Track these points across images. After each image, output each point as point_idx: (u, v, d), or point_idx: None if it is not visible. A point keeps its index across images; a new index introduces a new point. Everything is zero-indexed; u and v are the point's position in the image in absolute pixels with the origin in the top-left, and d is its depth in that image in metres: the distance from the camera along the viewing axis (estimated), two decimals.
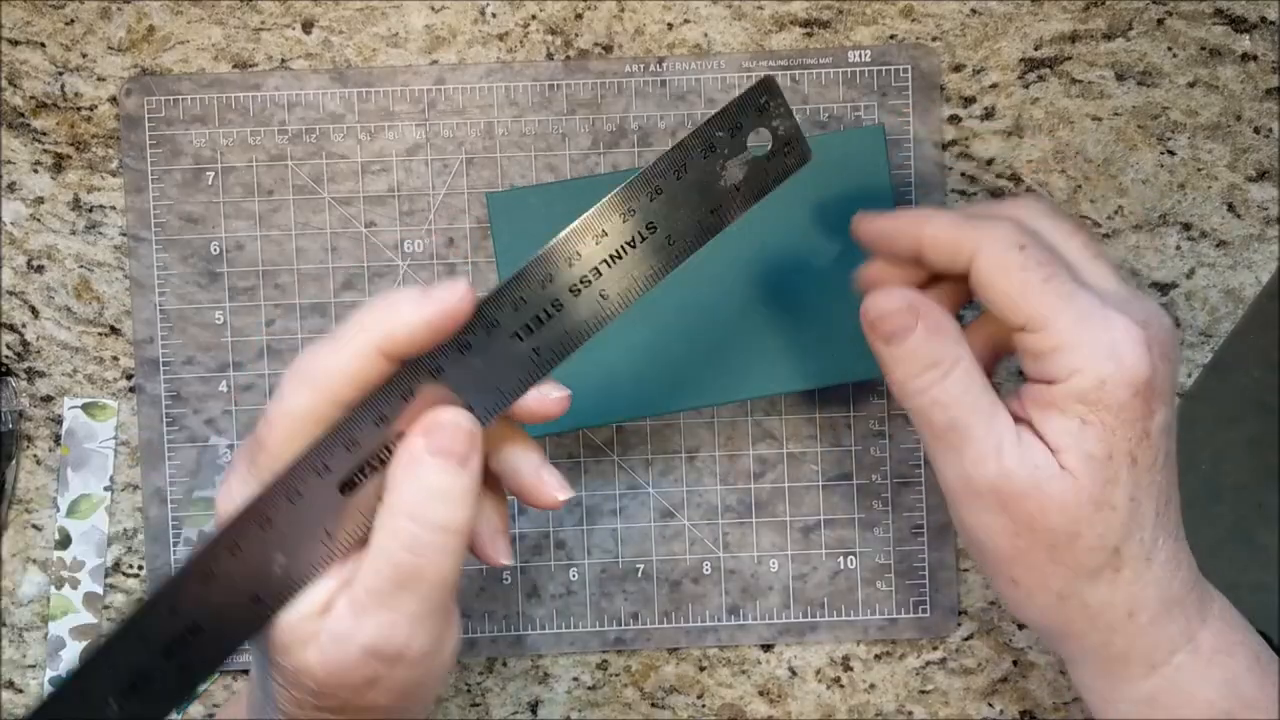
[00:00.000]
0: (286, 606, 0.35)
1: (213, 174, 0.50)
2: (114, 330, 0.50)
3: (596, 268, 0.36)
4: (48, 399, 0.50)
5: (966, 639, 0.51)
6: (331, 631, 0.34)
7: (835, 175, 0.46)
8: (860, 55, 0.50)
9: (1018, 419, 0.38)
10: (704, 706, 0.51)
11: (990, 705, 0.51)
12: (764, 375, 0.46)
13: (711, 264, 0.46)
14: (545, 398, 0.36)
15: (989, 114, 0.50)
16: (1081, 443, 0.37)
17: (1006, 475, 0.37)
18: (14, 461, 0.50)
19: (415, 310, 0.34)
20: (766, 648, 0.51)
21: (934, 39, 0.50)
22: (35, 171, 0.50)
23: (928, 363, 0.38)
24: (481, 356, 0.35)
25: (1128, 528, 0.37)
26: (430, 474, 0.34)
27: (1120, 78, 0.50)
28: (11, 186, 0.50)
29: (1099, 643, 0.39)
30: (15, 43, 0.50)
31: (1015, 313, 0.37)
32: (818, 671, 0.51)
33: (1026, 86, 0.50)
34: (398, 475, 0.34)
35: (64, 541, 0.50)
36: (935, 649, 0.51)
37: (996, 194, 0.50)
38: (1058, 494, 0.37)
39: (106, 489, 0.50)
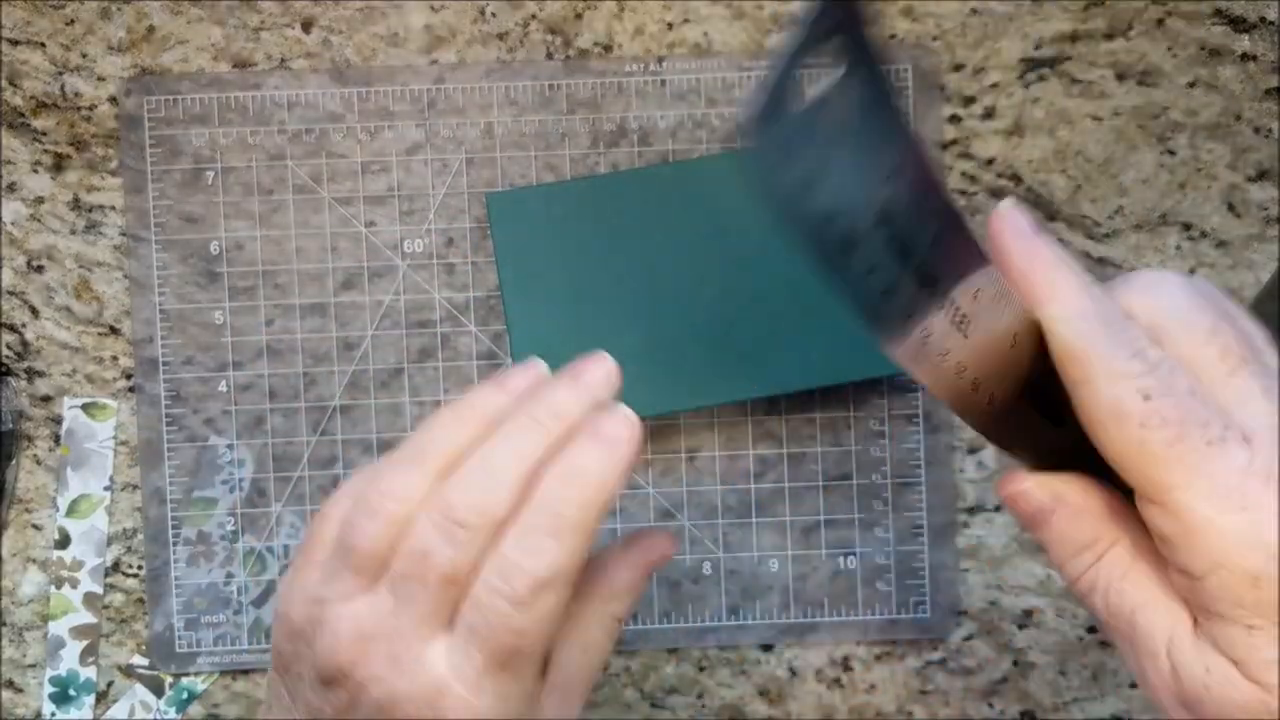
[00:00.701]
0: None
1: (212, 174, 0.50)
2: (114, 330, 0.50)
3: None
4: (47, 399, 0.50)
5: (966, 639, 0.51)
6: None
7: None
8: None
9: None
10: (704, 707, 0.51)
11: (990, 705, 0.51)
12: (773, 373, 0.46)
13: (716, 263, 0.46)
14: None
15: (989, 114, 0.50)
16: (1255, 651, 0.29)
17: (1176, 680, 0.31)
18: (14, 461, 0.50)
19: (615, 478, 0.34)
20: (766, 648, 0.51)
21: (934, 39, 0.50)
22: (35, 171, 0.50)
23: (1076, 547, 0.33)
24: None
25: None
26: (640, 582, 0.38)
27: (1120, 78, 0.50)
28: (11, 186, 0.50)
29: None
30: (15, 43, 0.50)
31: (1128, 474, 0.31)
32: (818, 672, 0.51)
33: (1027, 86, 0.50)
34: (614, 574, 0.38)
35: (64, 541, 0.50)
36: (935, 649, 0.51)
37: (997, 194, 0.50)
38: (1239, 703, 0.30)
39: (106, 489, 0.50)
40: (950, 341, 0.31)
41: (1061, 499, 0.33)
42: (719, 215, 0.46)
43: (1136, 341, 0.30)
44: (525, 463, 0.34)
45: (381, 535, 0.33)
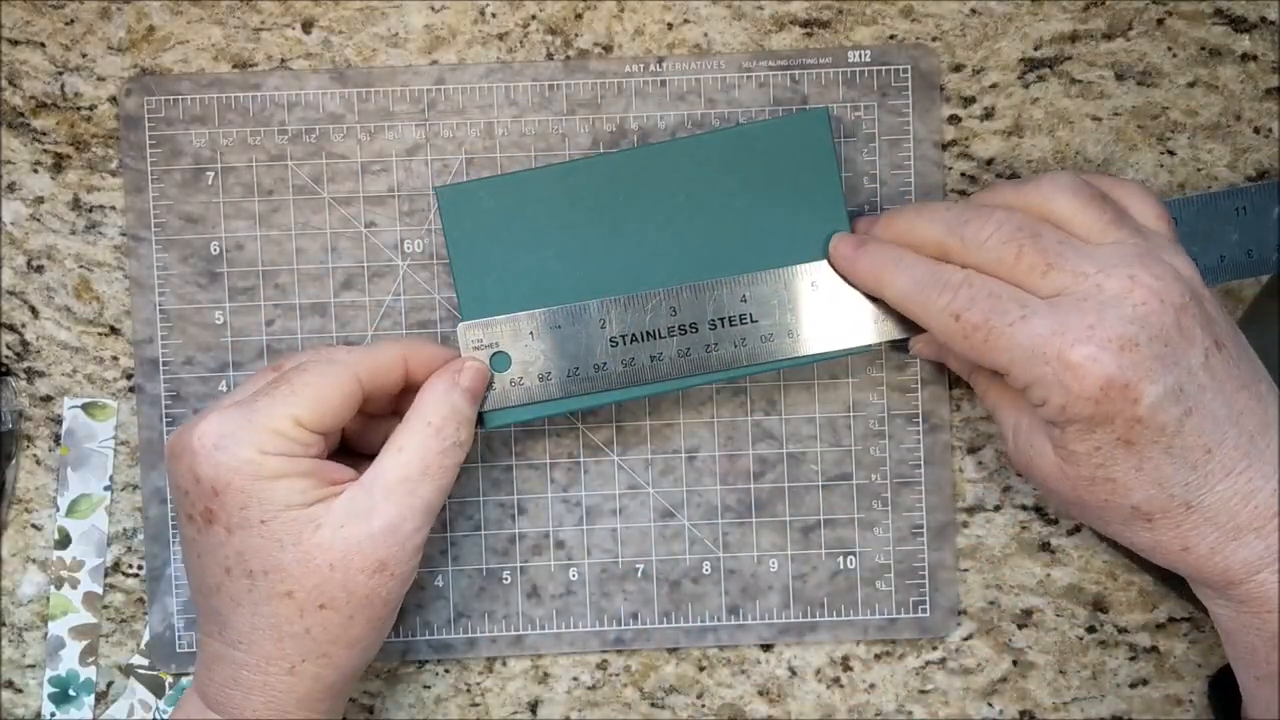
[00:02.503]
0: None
1: (213, 174, 0.50)
2: (114, 330, 0.50)
3: None
4: (47, 399, 0.50)
5: (966, 639, 0.51)
6: (350, 510, 0.42)
7: (781, 161, 0.46)
8: (860, 55, 0.50)
9: None
10: (704, 706, 0.51)
11: (990, 705, 0.51)
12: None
13: (660, 255, 0.46)
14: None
15: (989, 114, 0.50)
16: (1065, 442, 0.42)
17: (1015, 454, 0.45)
18: (14, 461, 0.50)
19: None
20: (766, 648, 0.51)
21: (934, 39, 0.50)
22: (35, 171, 0.50)
23: (967, 371, 0.48)
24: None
25: (1143, 490, 0.41)
26: (459, 401, 0.44)
27: (1120, 78, 0.50)
28: (11, 186, 0.50)
29: (1169, 563, 0.43)
30: (15, 43, 0.50)
31: (983, 365, 0.43)
32: (817, 671, 0.51)
33: (1026, 86, 0.50)
34: (431, 397, 0.44)
35: (63, 541, 0.50)
36: (935, 649, 0.51)
37: None
38: (1050, 474, 0.43)
39: (106, 489, 0.50)
40: None
41: (942, 345, 0.45)
42: (670, 201, 0.46)
43: (941, 278, 0.43)
44: None
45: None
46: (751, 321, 0.46)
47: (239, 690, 0.42)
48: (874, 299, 0.46)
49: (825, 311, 0.46)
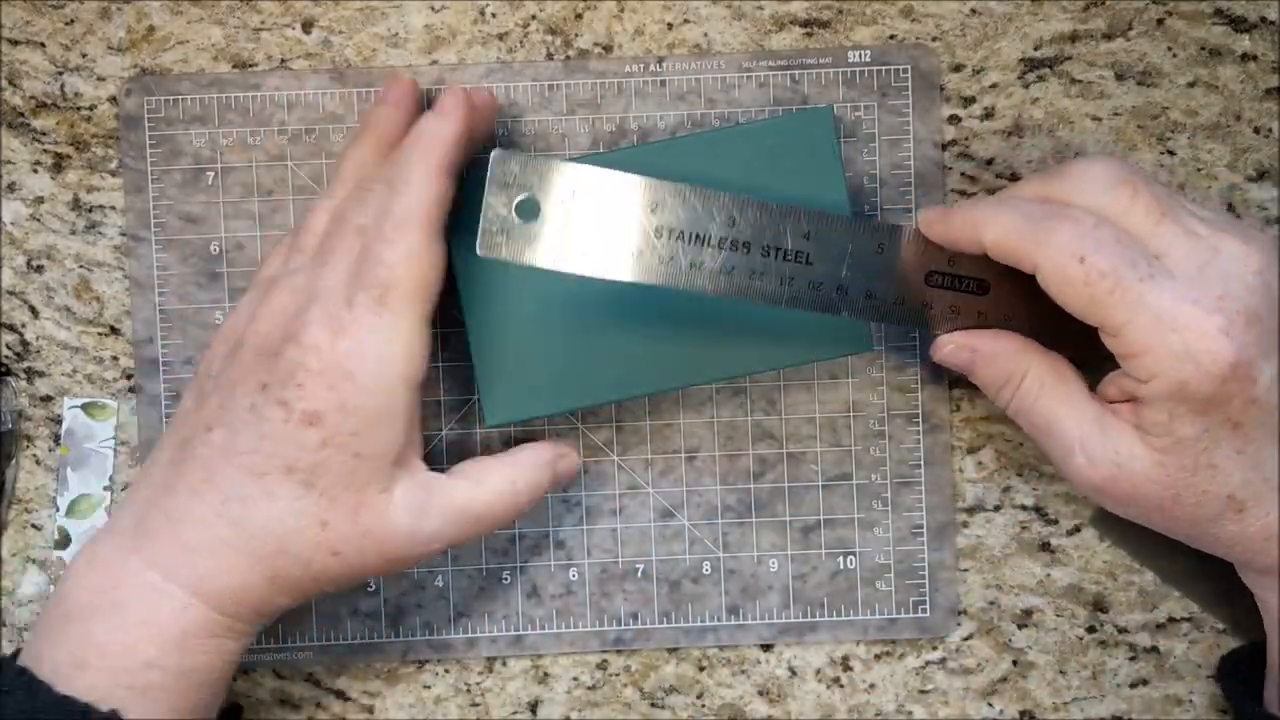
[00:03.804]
0: None
1: (213, 174, 0.50)
2: (114, 330, 0.50)
3: None
4: (47, 399, 0.50)
5: (966, 639, 0.51)
6: (407, 500, 0.42)
7: (784, 160, 0.46)
8: (860, 55, 0.50)
9: (1115, 400, 0.41)
10: (704, 706, 0.51)
11: (990, 705, 0.51)
12: (727, 359, 0.46)
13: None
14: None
15: (989, 114, 0.50)
16: (1171, 430, 0.39)
17: (1091, 468, 0.41)
18: (14, 461, 0.50)
19: (455, 127, 0.43)
20: (766, 648, 0.51)
21: (934, 39, 0.50)
22: (35, 171, 0.50)
23: (998, 382, 0.43)
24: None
25: (1242, 474, 0.39)
26: (546, 484, 0.46)
27: (1120, 78, 0.50)
28: (11, 186, 0.50)
29: (1244, 560, 0.42)
30: (15, 43, 0.50)
31: (1090, 321, 0.39)
32: (817, 671, 0.51)
33: (1026, 86, 0.50)
34: (530, 462, 0.46)
35: (63, 541, 0.50)
36: (935, 649, 0.51)
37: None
38: (1144, 473, 0.40)
39: (106, 489, 0.50)
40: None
41: (976, 349, 0.43)
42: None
43: (1066, 213, 0.39)
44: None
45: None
46: (806, 263, 0.43)
47: (213, 560, 0.41)
48: (934, 280, 0.43)
49: (885, 281, 0.43)
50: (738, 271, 0.43)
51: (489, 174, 0.42)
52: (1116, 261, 0.38)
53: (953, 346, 0.44)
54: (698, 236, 0.42)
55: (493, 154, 0.42)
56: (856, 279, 0.43)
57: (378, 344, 0.41)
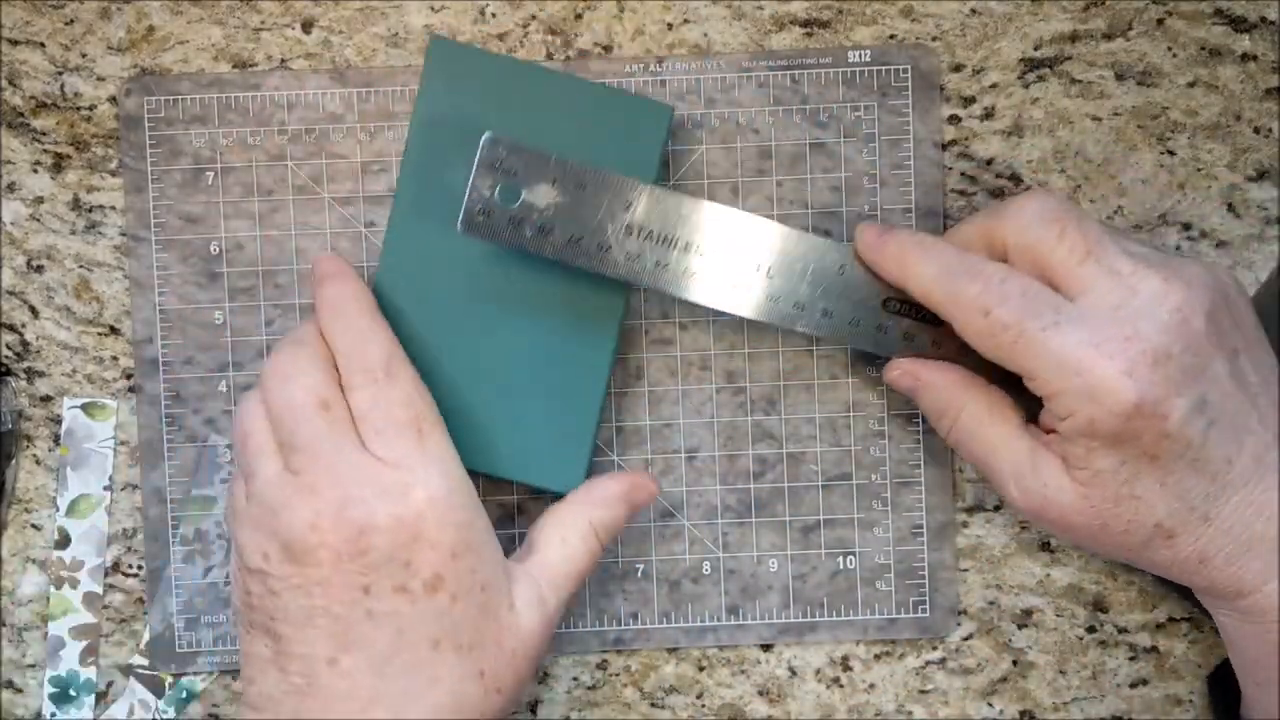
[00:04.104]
0: None
1: (212, 174, 0.50)
2: (113, 330, 0.50)
3: None
4: (47, 399, 0.50)
5: (966, 639, 0.51)
6: (527, 597, 0.42)
7: (613, 137, 0.46)
8: (860, 55, 0.50)
9: (1051, 430, 0.42)
10: (704, 706, 0.51)
11: (990, 705, 0.51)
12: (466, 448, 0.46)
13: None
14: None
15: (989, 114, 0.50)
16: (1089, 461, 0.41)
17: (1024, 498, 0.43)
18: (14, 461, 0.50)
19: (353, 283, 0.45)
20: (766, 648, 0.51)
21: (934, 39, 0.50)
22: (35, 171, 0.50)
23: (937, 414, 0.45)
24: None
25: (1166, 505, 0.41)
26: (623, 513, 0.45)
27: (1120, 78, 0.50)
28: (11, 186, 0.50)
29: (1184, 582, 0.43)
30: (15, 43, 0.50)
31: (1007, 367, 0.42)
32: (817, 671, 0.51)
33: (1026, 86, 0.50)
34: (603, 499, 0.45)
35: (63, 541, 0.50)
36: (935, 649, 0.51)
37: (996, 194, 0.50)
38: (1070, 504, 0.42)
39: (106, 489, 0.50)
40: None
41: (919, 378, 0.45)
42: (547, 135, 0.46)
43: (974, 267, 0.41)
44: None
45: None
46: (768, 276, 0.45)
47: None
48: (891, 313, 0.45)
49: (843, 300, 0.45)
50: (700, 276, 0.44)
51: (478, 155, 0.43)
52: (1020, 314, 0.40)
53: (899, 372, 0.45)
54: (666, 238, 0.44)
55: (484, 136, 0.43)
56: (815, 297, 0.45)
57: (440, 475, 0.41)
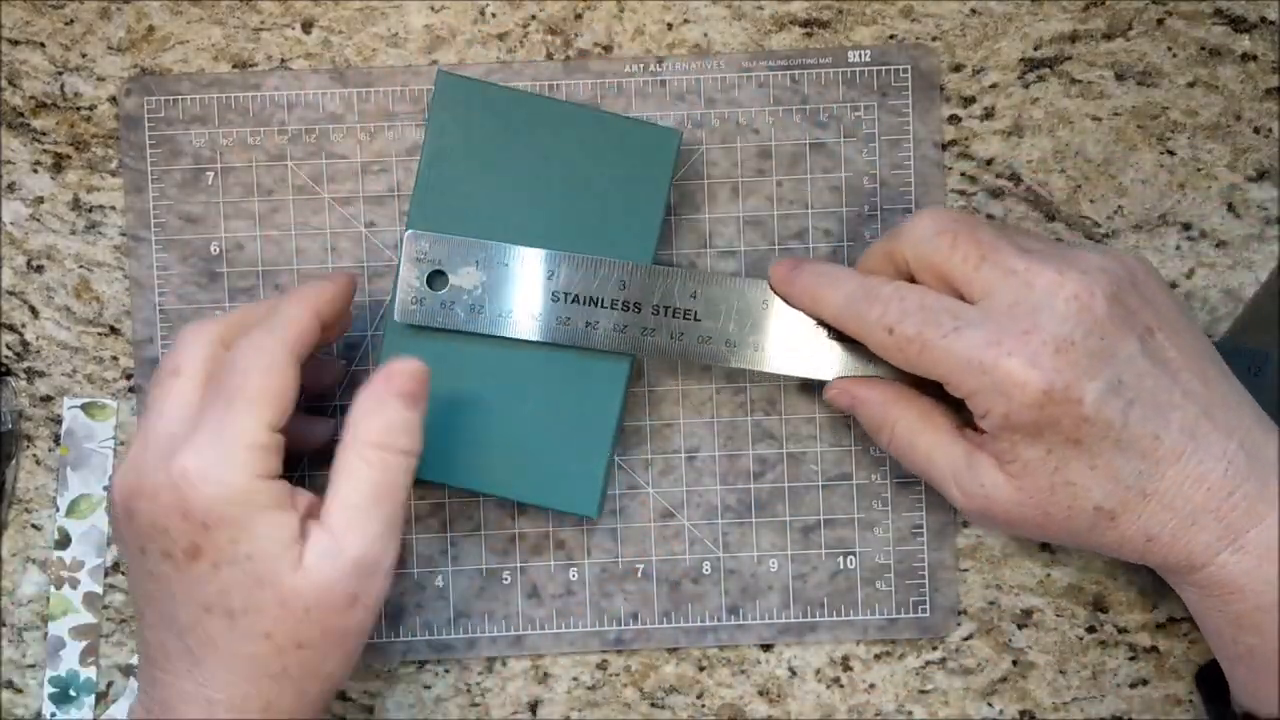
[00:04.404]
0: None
1: (212, 174, 0.50)
2: (113, 330, 0.50)
3: None
4: (47, 399, 0.50)
5: (966, 639, 0.51)
6: (318, 550, 0.40)
7: (621, 161, 0.47)
8: (860, 55, 0.50)
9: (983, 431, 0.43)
10: (704, 706, 0.51)
11: (990, 705, 0.51)
12: (481, 472, 0.47)
13: (540, 215, 0.47)
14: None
15: (989, 114, 0.50)
16: (1016, 454, 0.42)
17: (966, 499, 0.44)
18: (14, 461, 0.50)
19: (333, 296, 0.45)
20: (766, 648, 0.51)
21: (934, 39, 0.50)
22: (35, 171, 0.50)
23: (874, 429, 0.46)
24: None
25: (1101, 488, 0.42)
26: (394, 411, 0.42)
27: (1120, 78, 0.50)
28: (11, 186, 0.50)
29: (1136, 557, 0.43)
30: (15, 43, 0.50)
31: (926, 377, 0.43)
32: (817, 671, 0.51)
33: (1026, 86, 0.50)
34: (363, 414, 0.42)
35: (63, 541, 0.50)
36: (935, 649, 0.51)
37: (996, 194, 0.50)
38: (1009, 499, 0.43)
39: (106, 489, 0.50)
40: None
41: (855, 396, 0.46)
42: (556, 164, 0.47)
43: (872, 292, 0.43)
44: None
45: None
46: (695, 320, 0.46)
47: None
48: (824, 335, 0.46)
49: (773, 332, 0.46)
50: (630, 329, 0.46)
51: (402, 250, 0.46)
52: (919, 326, 0.42)
53: (835, 391, 0.47)
54: (592, 299, 0.46)
55: (406, 233, 0.46)
56: (744, 333, 0.46)
57: (213, 446, 0.40)
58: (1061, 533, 0.43)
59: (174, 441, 0.41)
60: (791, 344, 0.46)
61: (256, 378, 0.41)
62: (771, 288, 0.46)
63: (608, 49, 0.50)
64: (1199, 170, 0.50)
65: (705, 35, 0.50)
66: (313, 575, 0.40)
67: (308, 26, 0.50)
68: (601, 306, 0.46)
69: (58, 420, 0.50)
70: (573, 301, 0.46)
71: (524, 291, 0.46)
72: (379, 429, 0.42)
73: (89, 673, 0.50)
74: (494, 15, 0.50)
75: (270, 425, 0.41)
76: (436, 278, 0.46)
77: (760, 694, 0.51)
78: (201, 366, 0.42)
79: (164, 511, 0.40)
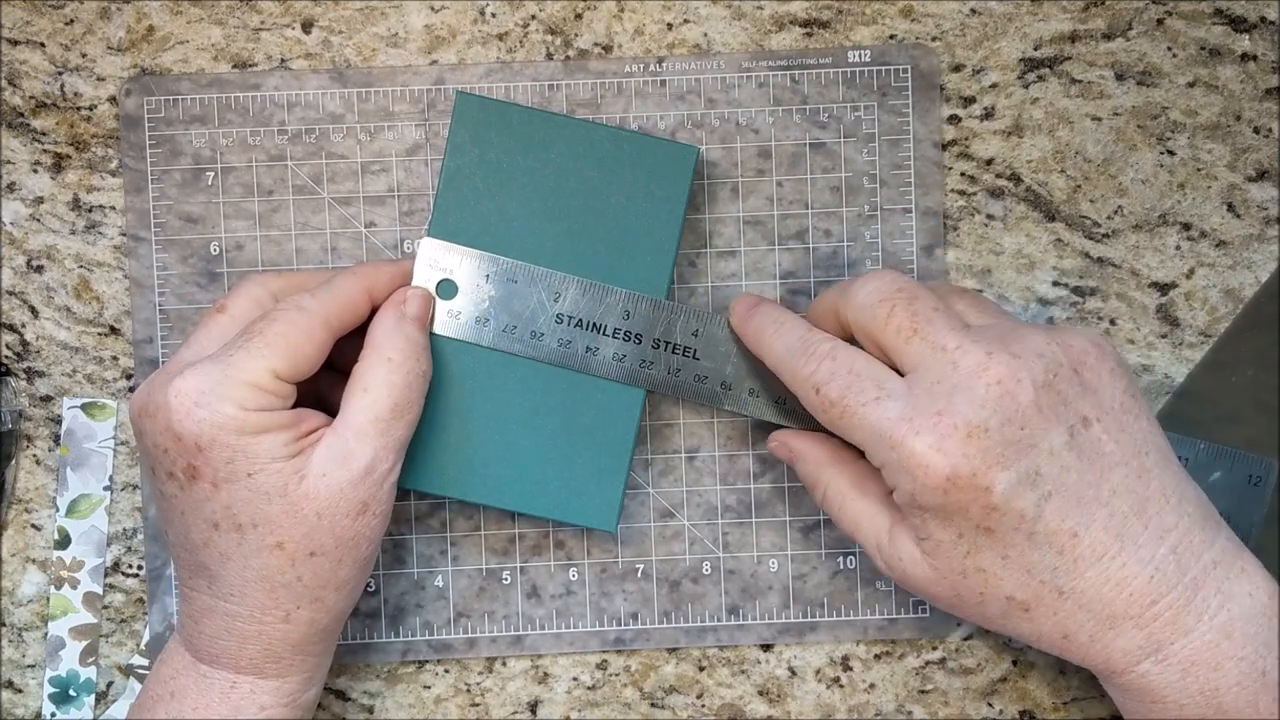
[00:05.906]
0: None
1: (212, 174, 0.50)
2: (113, 330, 0.50)
3: None
4: (47, 399, 0.50)
5: (966, 639, 0.51)
6: (331, 455, 0.42)
7: (634, 185, 0.47)
8: (860, 55, 0.50)
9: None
10: (703, 706, 0.51)
11: (990, 705, 0.51)
12: (496, 486, 0.47)
13: (551, 235, 0.47)
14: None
15: (989, 114, 0.50)
16: (929, 532, 0.41)
17: (887, 569, 0.43)
18: (14, 461, 0.50)
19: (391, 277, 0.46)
20: (766, 648, 0.51)
21: (934, 39, 0.50)
22: (35, 171, 0.50)
23: (809, 486, 0.46)
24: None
25: (1014, 579, 0.40)
26: (412, 331, 0.44)
27: (1120, 78, 0.50)
28: (11, 186, 0.50)
29: (1056, 652, 0.42)
30: (15, 43, 0.50)
31: (845, 439, 0.42)
32: (817, 671, 0.51)
33: (1026, 86, 0.50)
34: (384, 332, 0.44)
35: (63, 541, 0.50)
36: (935, 649, 0.51)
37: (996, 194, 0.50)
38: (924, 576, 0.42)
39: (106, 489, 0.50)
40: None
41: (793, 450, 0.46)
42: (568, 184, 0.47)
43: (809, 348, 0.43)
44: None
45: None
46: (694, 358, 0.46)
47: (233, 640, 0.43)
48: None
49: (769, 379, 0.46)
50: (629, 359, 0.46)
51: (416, 257, 0.46)
52: (843, 391, 0.41)
53: (776, 444, 0.47)
54: (594, 325, 0.46)
55: (421, 242, 0.46)
56: (741, 377, 0.46)
57: (208, 374, 0.42)
58: (976, 616, 0.42)
59: (172, 364, 0.43)
60: (783, 395, 0.46)
61: (279, 326, 0.42)
62: (729, 324, 0.46)
63: (608, 49, 0.50)
64: (1199, 170, 0.50)
65: (705, 35, 0.50)
66: (325, 480, 0.42)
67: (308, 26, 0.50)
68: (604, 334, 0.46)
69: (58, 420, 0.50)
70: (575, 325, 0.46)
71: (529, 310, 0.46)
72: (400, 346, 0.44)
73: (89, 673, 0.50)
74: (494, 15, 0.50)
75: (275, 372, 0.42)
76: (446, 287, 0.46)
77: (760, 694, 0.51)
78: (246, 310, 0.44)
79: (161, 430, 0.42)
